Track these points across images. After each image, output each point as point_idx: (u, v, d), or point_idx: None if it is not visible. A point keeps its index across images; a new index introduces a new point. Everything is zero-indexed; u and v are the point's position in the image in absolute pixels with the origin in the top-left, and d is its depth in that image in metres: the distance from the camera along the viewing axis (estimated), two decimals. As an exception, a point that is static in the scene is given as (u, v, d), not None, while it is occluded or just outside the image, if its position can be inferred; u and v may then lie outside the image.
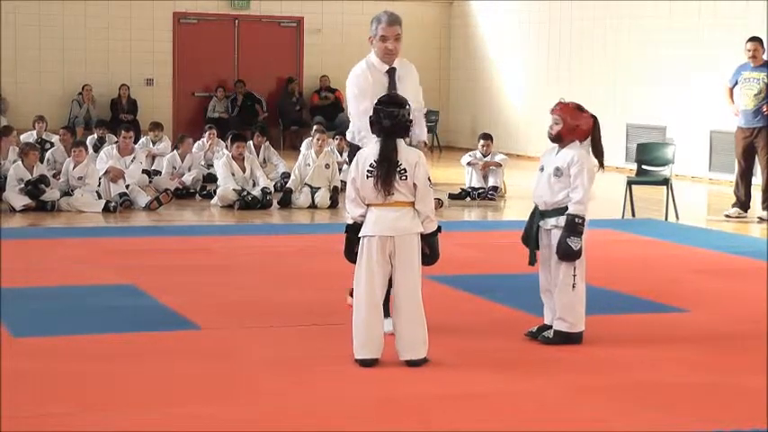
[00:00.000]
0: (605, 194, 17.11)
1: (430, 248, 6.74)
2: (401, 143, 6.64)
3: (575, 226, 7.17)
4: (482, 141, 16.20)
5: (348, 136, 7.50)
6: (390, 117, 6.59)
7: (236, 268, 8.88)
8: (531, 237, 7.42)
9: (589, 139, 7.31)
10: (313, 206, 14.38)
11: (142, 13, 23.09)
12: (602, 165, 7.43)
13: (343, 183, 15.51)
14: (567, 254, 7.20)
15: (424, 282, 6.75)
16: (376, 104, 6.67)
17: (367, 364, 6.57)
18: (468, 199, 15.58)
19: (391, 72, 7.48)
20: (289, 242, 11.27)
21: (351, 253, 6.75)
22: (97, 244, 11.23)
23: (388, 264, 6.59)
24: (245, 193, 14.08)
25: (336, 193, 14.58)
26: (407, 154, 6.62)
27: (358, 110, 7.26)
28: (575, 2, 21.39)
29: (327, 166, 14.71)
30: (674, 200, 13.78)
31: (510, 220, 14.22)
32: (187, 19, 23.55)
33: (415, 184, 6.59)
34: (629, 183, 14.18)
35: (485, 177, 15.80)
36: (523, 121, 22.82)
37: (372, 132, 6.69)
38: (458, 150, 21.65)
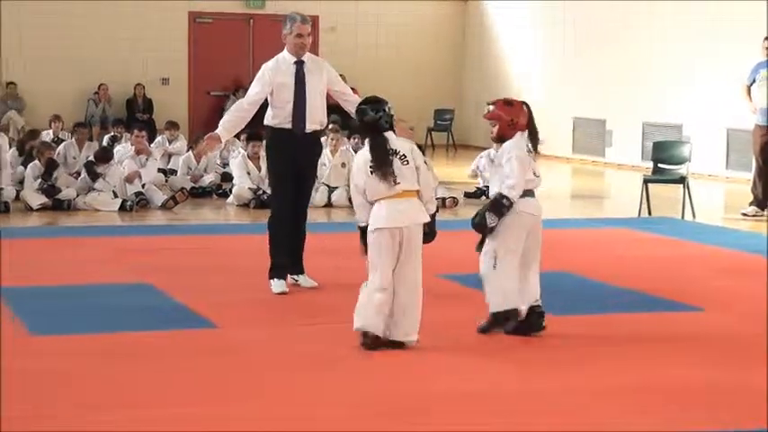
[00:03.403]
0: (621, 193, 17.13)
1: (429, 228, 7.04)
2: (391, 135, 7.01)
3: (499, 204, 7.24)
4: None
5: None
6: (375, 112, 7.00)
7: (252, 267, 8.89)
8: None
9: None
10: (329, 205, 14.39)
11: (158, 13, 23.13)
12: (535, 149, 7.50)
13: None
14: (480, 226, 7.25)
15: (437, 280, 6.78)
16: (360, 105, 7.17)
17: (372, 342, 6.83)
18: (484, 198, 15.56)
19: (299, 63, 8.70)
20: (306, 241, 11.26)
21: (365, 253, 7.06)
22: (113, 243, 11.25)
23: (396, 253, 6.87)
24: (260, 191, 14.09)
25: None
26: (401, 142, 7.03)
27: (248, 93, 8.76)
28: (589, 1, 21.34)
29: (344, 164, 14.71)
30: (690, 198, 13.74)
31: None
32: (202, 18, 23.59)
33: (417, 168, 6.92)
34: (646, 181, 14.14)
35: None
36: (538, 120, 22.70)
37: (360, 133, 7.22)
38: (473, 149, 21.64)
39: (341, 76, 24.90)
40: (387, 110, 7.06)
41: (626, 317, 8.07)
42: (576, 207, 16.07)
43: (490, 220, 7.20)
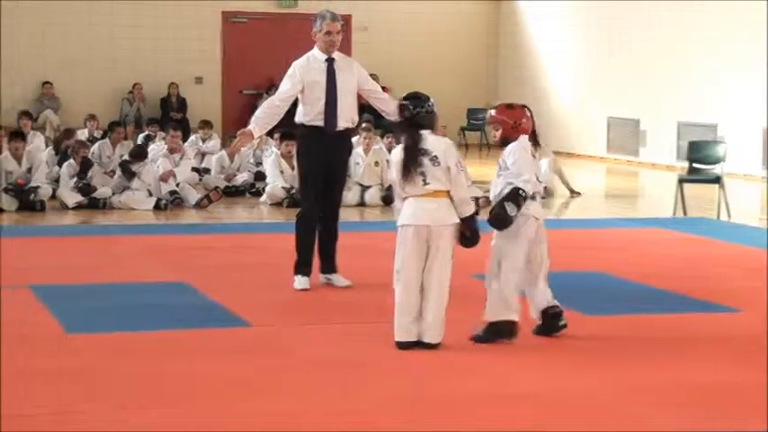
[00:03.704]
0: (656, 193, 17.06)
1: (470, 231, 6.97)
2: (428, 133, 6.95)
3: (516, 196, 7.09)
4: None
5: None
6: (415, 109, 6.99)
7: (285, 266, 8.90)
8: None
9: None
10: (362, 204, 14.40)
11: (192, 12, 23.23)
12: (537, 146, 7.40)
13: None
14: (500, 219, 7.09)
15: (468, 280, 6.76)
16: (401, 100, 7.11)
17: (404, 346, 6.81)
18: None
19: (330, 61, 8.72)
20: (339, 240, 11.27)
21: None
22: (148, 241, 11.31)
23: (424, 252, 6.85)
24: (293, 190, 14.12)
25: (391, 191, 14.58)
26: (436, 141, 6.94)
27: (279, 90, 8.77)
28: (624, 1, 21.25)
29: (377, 163, 14.72)
30: (725, 198, 13.66)
31: (559, 219, 14.17)
32: (236, 18, 23.66)
33: (448, 168, 6.86)
34: (681, 181, 14.07)
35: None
36: (572, 120, 22.73)
37: (401, 129, 7.10)
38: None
39: (373, 75, 24.99)
40: (426, 107, 7.04)
41: (661, 317, 8.03)
42: (610, 207, 16.00)
43: (510, 209, 7.05)
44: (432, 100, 7.13)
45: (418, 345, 6.88)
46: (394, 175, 7.02)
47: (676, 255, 10.89)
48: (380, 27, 24.23)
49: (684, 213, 13.83)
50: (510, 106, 7.47)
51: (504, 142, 7.33)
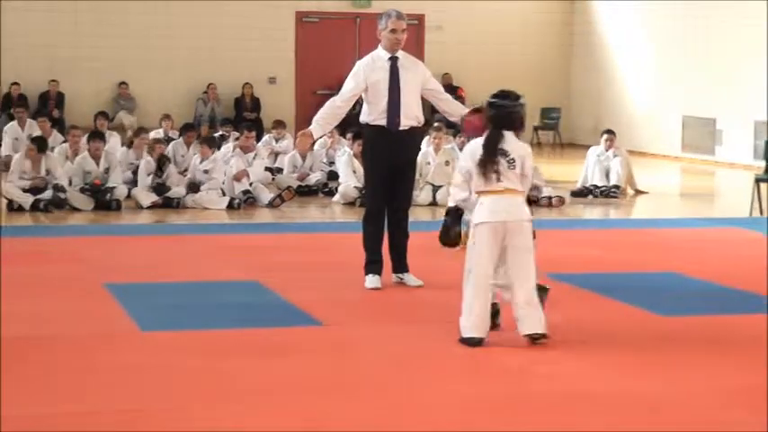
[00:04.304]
0: (732, 192, 16.85)
1: None
2: (510, 135, 6.96)
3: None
4: (605, 137, 16.09)
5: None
6: (500, 108, 6.98)
7: (357, 265, 8.92)
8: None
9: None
10: (434, 203, 14.39)
11: (265, 13, 23.37)
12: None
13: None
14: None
15: (544, 280, 6.73)
16: (490, 97, 7.10)
17: (473, 343, 6.82)
18: (591, 197, 15.45)
19: (394, 59, 8.71)
20: (410, 239, 11.28)
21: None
22: (221, 241, 11.40)
23: (498, 249, 6.88)
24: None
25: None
26: (517, 146, 6.96)
27: (342, 90, 8.81)
28: (703, 1, 20.99)
29: (447, 163, 14.70)
30: (803, 198, 13.46)
31: (633, 219, 14.07)
32: (309, 18, 23.76)
33: (523, 175, 6.94)
34: (758, 180, 13.91)
35: (607, 175, 15.66)
36: (646, 119, 22.52)
37: (489, 125, 7.05)
38: (580, 147, 21.45)
39: (446, 74, 24.80)
40: (512, 106, 7.02)
41: (736, 319, 7.93)
42: (685, 206, 15.85)
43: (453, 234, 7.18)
44: (522, 99, 7.09)
45: (531, 339, 6.86)
46: (466, 163, 7.03)
47: (753, 255, 10.74)
48: (453, 26, 24.18)
49: (761, 213, 13.65)
50: (477, 110, 7.69)
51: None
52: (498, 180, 6.88)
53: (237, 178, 14.21)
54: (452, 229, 7.17)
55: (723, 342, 7.21)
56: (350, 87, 8.75)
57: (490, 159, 6.88)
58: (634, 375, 6.42)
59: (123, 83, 22.56)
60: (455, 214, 7.18)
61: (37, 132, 16.45)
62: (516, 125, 7.03)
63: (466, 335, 6.91)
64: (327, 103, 8.90)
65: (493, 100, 7.04)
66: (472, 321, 6.90)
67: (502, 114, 6.98)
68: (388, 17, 8.74)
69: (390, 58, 8.73)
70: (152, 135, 16.61)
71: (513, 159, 6.90)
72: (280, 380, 6.21)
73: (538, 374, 6.42)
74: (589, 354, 6.88)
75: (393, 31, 8.69)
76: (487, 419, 5.58)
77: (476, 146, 7.00)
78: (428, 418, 5.58)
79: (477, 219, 6.93)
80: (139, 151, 15.03)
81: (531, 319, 6.88)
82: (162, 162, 14.03)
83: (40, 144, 13.90)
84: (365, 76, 8.69)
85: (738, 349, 7.03)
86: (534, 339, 6.89)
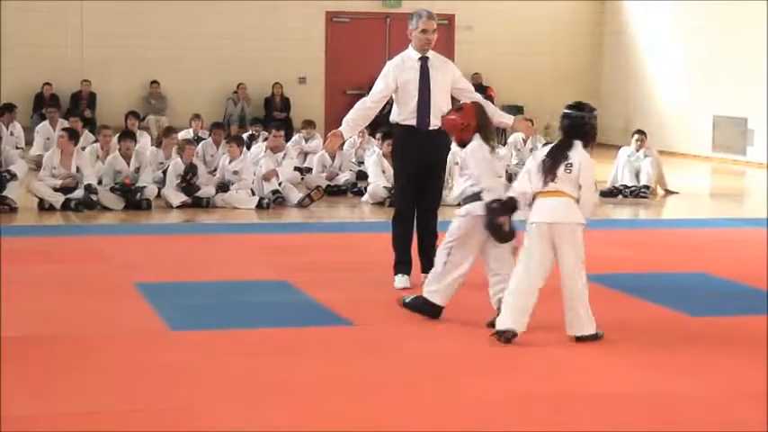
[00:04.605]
0: (763, 193, 16.74)
1: None
2: (579, 145, 7.12)
3: (498, 210, 7.36)
4: (636, 137, 16.07)
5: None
6: (574, 119, 7.17)
7: (386, 265, 8.93)
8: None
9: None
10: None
11: (295, 13, 23.41)
12: (492, 148, 7.66)
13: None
14: (500, 234, 7.39)
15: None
16: (565, 108, 7.28)
17: (507, 337, 6.93)
18: (621, 197, 15.41)
19: (424, 59, 8.71)
20: (439, 239, 11.28)
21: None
22: (251, 240, 11.43)
23: (549, 249, 7.02)
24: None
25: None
26: (581, 155, 7.11)
27: (372, 91, 8.78)
28: (731, 0, 20.92)
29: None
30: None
31: (664, 219, 14.02)
32: (339, 18, 23.79)
33: (580, 186, 7.05)
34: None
35: (636, 175, 15.62)
36: (676, 119, 22.42)
37: (561, 134, 7.25)
38: (610, 147, 21.36)
39: (476, 74, 24.75)
40: (583, 118, 7.18)
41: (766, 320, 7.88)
42: (715, 206, 15.78)
43: (507, 226, 7.30)
44: (596, 112, 7.26)
45: (578, 339, 7.02)
46: (530, 164, 7.23)
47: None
48: (483, 26, 24.15)
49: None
50: (459, 108, 7.76)
51: (461, 144, 7.62)
52: (552, 181, 7.04)
53: (267, 178, 14.24)
54: (497, 218, 7.22)
55: (752, 343, 7.17)
56: (380, 88, 8.77)
57: (552, 163, 7.04)
58: (662, 376, 6.40)
59: (155, 81, 22.65)
60: (509, 203, 7.22)
61: (68, 130, 16.51)
62: (589, 137, 7.21)
63: (500, 327, 6.98)
64: (357, 104, 8.91)
65: (568, 111, 7.22)
66: (508, 314, 6.98)
67: (575, 125, 7.17)
68: (419, 17, 8.76)
69: (420, 58, 8.74)
70: (181, 135, 16.66)
71: (570, 164, 7.04)
72: (310, 380, 6.22)
73: (567, 374, 6.42)
74: (618, 354, 6.87)
75: (424, 31, 8.71)
76: (519, 419, 5.58)
77: (543, 150, 7.25)
78: (459, 418, 5.59)
79: (530, 218, 7.14)
80: (168, 151, 15.07)
81: (577, 320, 7.03)
82: (190, 171, 13.97)
83: (71, 133, 13.99)
84: (395, 77, 8.70)
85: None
86: (580, 339, 7.03)
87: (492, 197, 7.34)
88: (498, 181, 7.63)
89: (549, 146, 7.31)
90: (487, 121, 7.71)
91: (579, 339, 7.02)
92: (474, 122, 7.58)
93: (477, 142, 7.55)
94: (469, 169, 7.52)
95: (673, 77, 22.76)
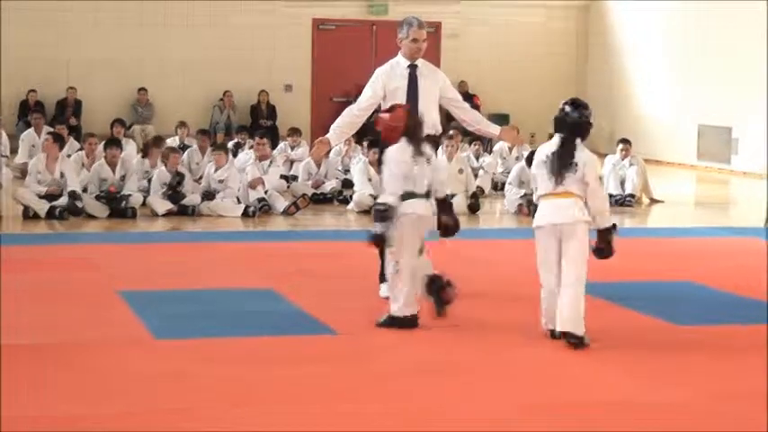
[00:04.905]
0: (748, 201, 16.80)
1: (605, 243, 7.35)
2: (580, 144, 7.26)
3: (377, 213, 7.65)
4: (621, 146, 16.12)
5: None
6: (579, 116, 7.30)
7: (372, 273, 8.92)
8: None
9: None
10: (449, 212, 14.35)
11: (282, 20, 23.41)
12: (419, 152, 7.75)
13: (480, 188, 15.48)
14: (372, 238, 7.65)
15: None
16: (563, 104, 7.42)
17: (554, 335, 7.20)
18: (617, 206, 15.42)
19: (413, 67, 8.70)
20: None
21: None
22: (236, 248, 11.41)
23: (556, 249, 7.20)
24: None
25: (477, 199, 14.60)
26: (581, 153, 7.24)
27: (360, 98, 8.75)
28: (718, 9, 20.94)
29: (461, 171, 14.68)
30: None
31: (649, 228, 14.03)
32: (326, 25, 23.79)
33: (587, 183, 7.20)
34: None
35: (622, 184, 15.64)
36: (661, 127, 22.47)
37: (556, 131, 7.38)
38: (595, 155, 21.41)
39: (462, 82, 24.70)
40: (585, 115, 7.33)
41: (752, 328, 7.89)
42: (700, 215, 15.80)
43: (375, 229, 7.55)
44: (590, 110, 7.40)
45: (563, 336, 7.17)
46: (534, 168, 7.35)
47: (768, 264, 10.70)
48: (469, 34, 24.19)
49: (778, 222, 13.60)
50: (391, 109, 7.93)
51: (385, 144, 7.83)
52: (559, 184, 7.16)
53: (253, 186, 14.22)
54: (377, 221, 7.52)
55: (739, 351, 7.18)
56: (367, 96, 8.77)
57: (559, 165, 7.16)
58: (649, 384, 6.40)
59: (142, 89, 22.58)
60: (382, 211, 7.49)
61: (53, 140, 16.46)
62: (586, 134, 7.32)
63: (546, 327, 7.28)
64: (345, 112, 8.91)
65: (567, 109, 7.34)
66: (547, 315, 7.25)
67: (575, 123, 7.28)
68: (409, 26, 8.75)
69: (410, 66, 8.75)
70: (168, 142, 16.63)
71: (575, 163, 7.16)
72: (294, 389, 6.21)
73: (554, 383, 6.41)
74: (604, 362, 6.87)
75: (415, 40, 8.71)
76: (507, 428, 5.57)
77: (543, 150, 7.32)
78: (445, 428, 5.57)
79: (536, 222, 7.27)
80: (155, 160, 15.04)
81: (572, 318, 7.12)
82: (179, 179, 13.94)
83: (56, 137, 13.97)
84: (383, 84, 8.71)
85: (754, 358, 7.00)
86: (571, 338, 7.10)
87: (385, 199, 7.56)
88: (399, 186, 7.63)
89: (548, 147, 7.33)
90: (417, 127, 7.80)
91: (570, 337, 7.06)
92: (402, 125, 7.72)
93: (400, 145, 7.66)
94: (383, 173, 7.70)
95: (658, 86, 22.81)
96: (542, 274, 7.29)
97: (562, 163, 7.16)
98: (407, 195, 7.56)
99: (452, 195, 14.43)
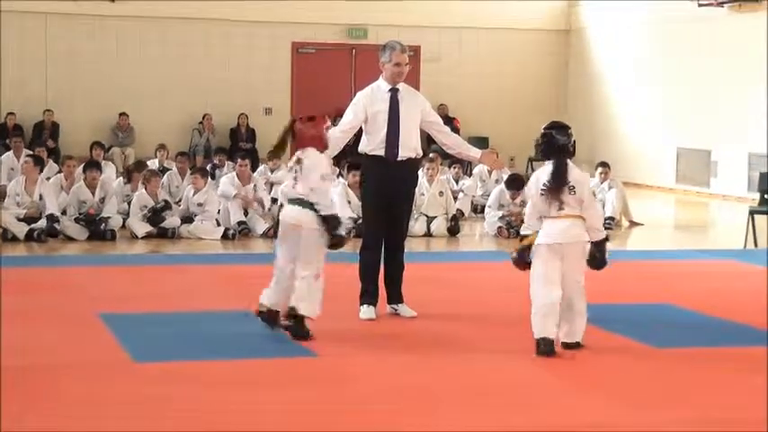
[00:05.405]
0: (727, 224, 16.87)
1: (599, 253, 7.67)
2: (571, 164, 7.53)
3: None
4: (600, 169, 16.17)
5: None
6: (566, 137, 7.59)
7: (352, 296, 8.90)
8: None
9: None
10: (428, 234, 14.38)
11: (261, 44, 23.44)
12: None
13: (460, 211, 15.49)
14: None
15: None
16: (545, 129, 7.65)
17: (539, 347, 7.39)
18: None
19: (394, 91, 8.76)
20: (405, 270, 11.27)
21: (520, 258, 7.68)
22: (216, 271, 11.38)
23: (560, 266, 7.44)
24: (361, 220, 14.11)
25: (456, 222, 14.61)
26: (574, 172, 7.52)
27: (342, 121, 8.90)
28: (696, 33, 21.07)
29: (441, 194, 14.71)
30: (797, 230, 13.47)
31: (628, 250, 14.05)
32: (305, 49, 23.83)
33: (582, 200, 7.47)
34: (752, 213, 13.93)
35: (602, 207, 15.68)
36: (640, 150, 22.56)
37: (542, 156, 7.67)
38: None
39: (442, 105, 24.76)
40: (570, 136, 7.60)
41: (731, 351, 7.91)
42: (679, 238, 15.85)
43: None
44: (571, 129, 7.66)
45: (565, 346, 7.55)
46: (530, 193, 7.61)
47: (747, 287, 10.74)
48: (449, 58, 24.27)
49: (756, 245, 13.66)
50: (311, 118, 8.28)
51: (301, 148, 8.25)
52: (561, 208, 7.42)
53: (248, 205, 14.25)
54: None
55: (718, 374, 7.19)
56: (349, 119, 8.80)
57: (557, 188, 7.40)
58: (628, 407, 6.40)
59: (123, 113, 22.53)
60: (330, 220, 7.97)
61: (32, 162, 16.41)
62: (573, 154, 7.57)
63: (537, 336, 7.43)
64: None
65: (552, 132, 7.60)
66: (539, 330, 7.40)
67: (563, 145, 7.53)
68: (392, 50, 8.79)
69: (391, 90, 8.77)
70: (148, 164, 16.60)
71: (573, 186, 7.42)
72: (274, 412, 6.19)
73: (533, 406, 6.40)
74: (582, 385, 6.87)
75: (397, 64, 8.76)
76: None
77: (538, 177, 7.53)
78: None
79: (539, 240, 7.47)
80: (136, 184, 15.00)
81: (576, 330, 7.57)
82: (161, 207, 13.87)
83: (36, 159, 13.95)
84: (364, 107, 8.73)
85: (736, 381, 7.01)
86: (570, 347, 7.52)
87: (317, 200, 7.97)
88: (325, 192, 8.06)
89: (544, 174, 7.51)
90: (324, 138, 8.20)
91: (569, 346, 7.53)
92: (317, 134, 8.15)
93: (322, 155, 8.08)
94: (306, 177, 8.05)
95: (637, 109, 22.92)
96: (538, 288, 7.45)
97: (561, 188, 7.40)
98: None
99: (433, 218, 14.53)
